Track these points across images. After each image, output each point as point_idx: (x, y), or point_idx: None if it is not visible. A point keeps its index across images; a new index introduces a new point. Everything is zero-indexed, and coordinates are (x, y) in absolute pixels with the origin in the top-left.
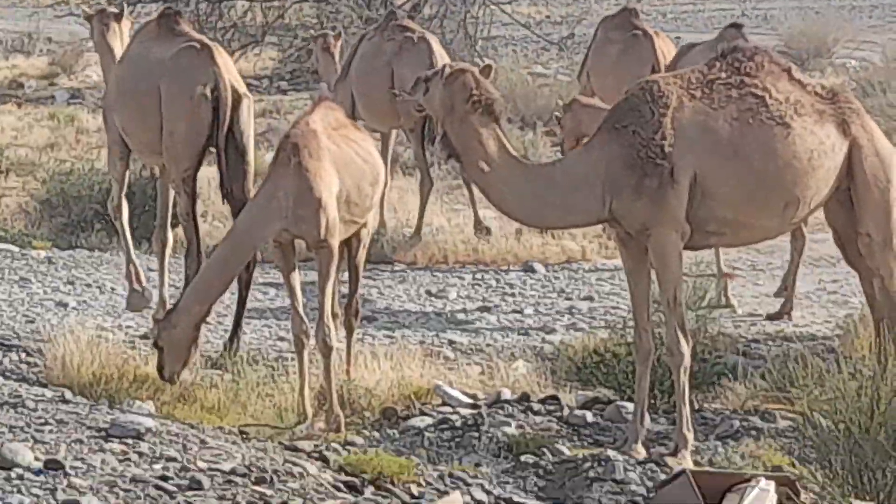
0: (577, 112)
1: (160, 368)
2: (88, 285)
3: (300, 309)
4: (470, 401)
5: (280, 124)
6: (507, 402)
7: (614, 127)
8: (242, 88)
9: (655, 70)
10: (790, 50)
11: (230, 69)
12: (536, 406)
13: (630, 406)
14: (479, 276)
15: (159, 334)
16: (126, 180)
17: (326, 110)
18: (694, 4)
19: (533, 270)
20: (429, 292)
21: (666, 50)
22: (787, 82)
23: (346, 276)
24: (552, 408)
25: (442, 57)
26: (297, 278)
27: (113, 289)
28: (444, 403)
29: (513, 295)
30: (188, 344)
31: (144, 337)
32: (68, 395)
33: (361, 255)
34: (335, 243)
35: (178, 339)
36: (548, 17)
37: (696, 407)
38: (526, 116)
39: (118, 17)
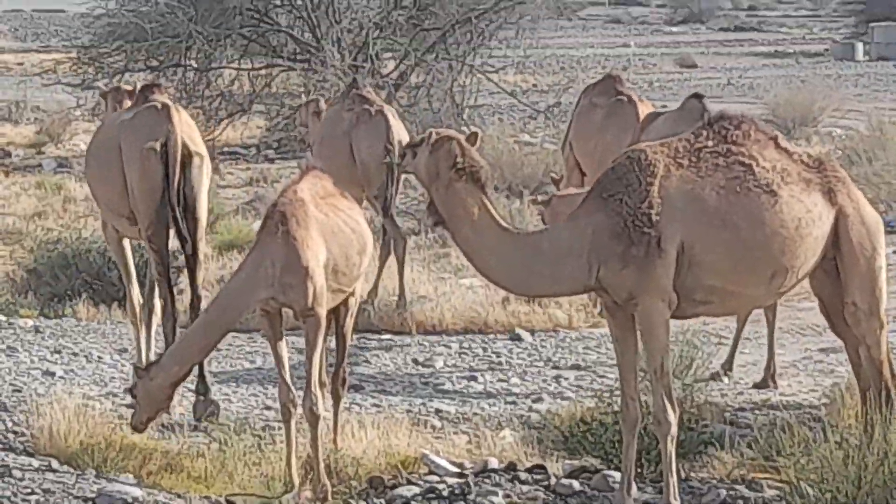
0: (555, 206)
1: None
2: (75, 354)
3: (287, 377)
4: (457, 470)
5: (267, 193)
6: (494, 471)
7: (601, 196)
8: (195, 147)
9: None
10: (776, 118)
11: (187, 128)
12: (523, 475)
13: (617, 475)
14: (465, 344)
15: (136, 385)
16: (129, 261)
17: (314, 179)
18: (680, 73)
19: (520, 339)
20: (416, 361)
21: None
22: (773, 151)
23: (333, 344)
24: (539, 477)
25: (399, 131)
26: (284, 347)
27: (100, 358)
28: (431, 472)
29: (500, 363)
30: (162, 400)
31: (132, 407)
32: (55, 464)
33: (349, 324)
34: (322, 312)
35: (152, 393)
36: (534, 85)
37: (683, 476)
38: (513, 185)
39: (131, 94)
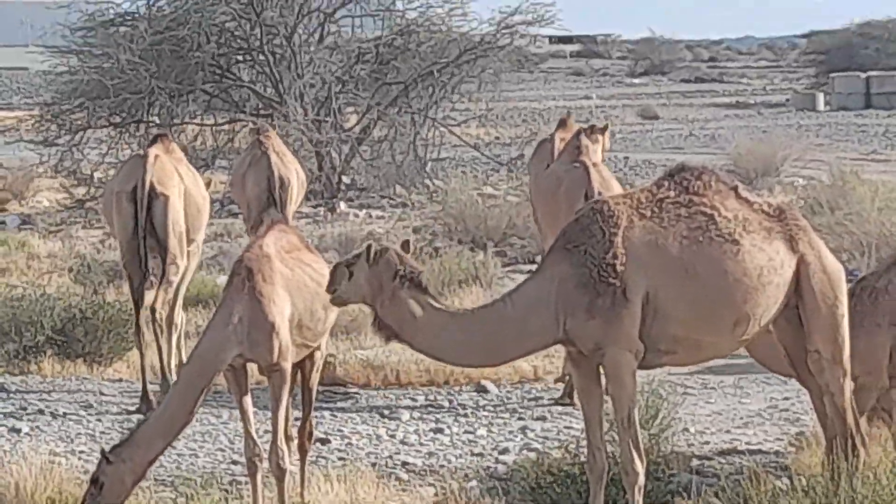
0: None
1: None
2: (41, 411)
3: (252, 432)
4: None
5: (231, 247)
6: None
7: (565, 247)
8: (161, 188)
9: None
10: (738, 169)
11: (160, 171)
12: None
13: None
14: (431, 396)
15: (102, 469)
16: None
17: (279, 233)
18: (642, 125)
19: (485, 390)
20: (381, 414)
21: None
22: (734, 201)
23: (299, 398)
24: None
25: (280, 170)
26: (249, 402)
27: (65, 414)
28: None
29: (465, 415)
30: (133, 483)
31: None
32: None
33: (314, 378)
34: (288, 367)
35: (125, 475)
36: (497, 138)
37: None
38: (476, 237)
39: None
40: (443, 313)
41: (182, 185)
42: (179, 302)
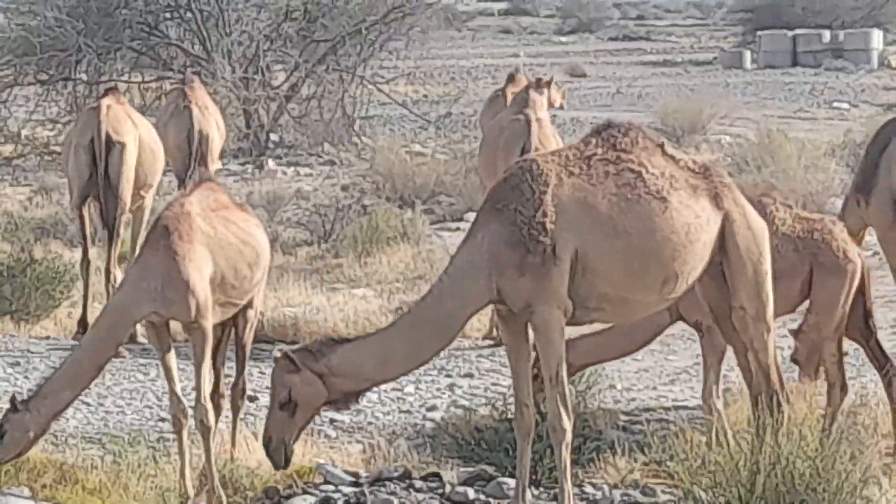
0: None
1: None
2: None
3: (177, 389)
4: (352, 479)
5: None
6: (389, 479)
7: (495, 207)
8: (118, 137)
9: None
10: (665, 127)
11: (115, 120)
12: (418, 483)
13: (512, 482)
14: None
15: (7, 417)
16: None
17: (206, 191)
18: (570, 83)
19: None
20: None
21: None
22: (661, 158)
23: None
24: (434, 485)
25: (201, 124)
26: (172, 359)
27: None
28: (326, 482)
29: None
30: (37, 434)
31: None
32: None
33: (248, 336)
34: (207, 325)
35: (29, 426)
36: (425, 96)
37: (578, 482)
38: (404, 195)
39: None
40: (375, 339)
41: (137, 132)
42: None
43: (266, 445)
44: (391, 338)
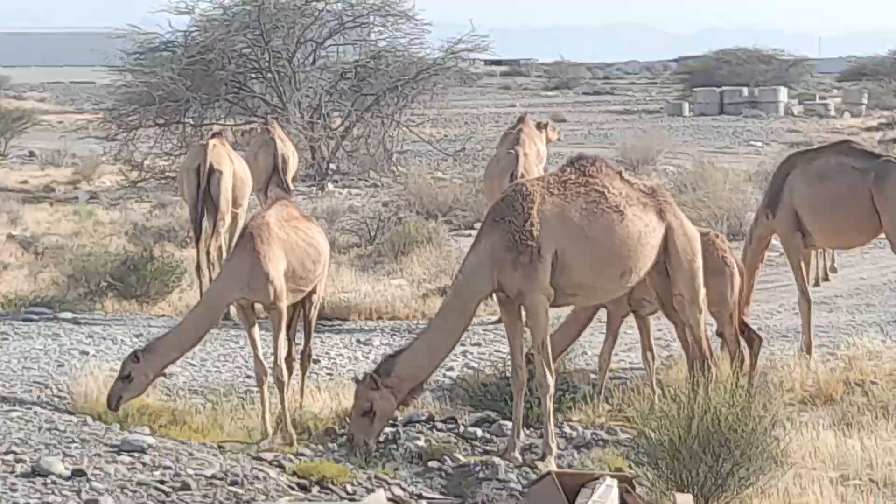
0: None
1: (111, 396)
2: (103, 338)
3: (259, 355)
4: (390, 421)
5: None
6: (417, 421)
7: (494, 220)
8: (217, 166)
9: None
10: (624, 159)
11: (217, 155)
12: (440, 425)
13: (509, 424)
14: (395, 328)
15: (127, 366)
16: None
17: (280, 206)
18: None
19: None
20: (358, 340)
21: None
22: (619, 181)
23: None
24: (451, 426)
25: (282, 150)
26: (256, 332)
27: (122, 341)
28: None
29: None
30: (148, 383)
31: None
32: (89, 420)
33: (313, 314)
34: (282, 306)
35: (143, 376)
36: (445, 135)
37: (558, 424)
38: (430, 210)
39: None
40: (420, 339)
41: (232, 166)
42: (224, 246)
43: (350, 442)
44: (430, 333)
